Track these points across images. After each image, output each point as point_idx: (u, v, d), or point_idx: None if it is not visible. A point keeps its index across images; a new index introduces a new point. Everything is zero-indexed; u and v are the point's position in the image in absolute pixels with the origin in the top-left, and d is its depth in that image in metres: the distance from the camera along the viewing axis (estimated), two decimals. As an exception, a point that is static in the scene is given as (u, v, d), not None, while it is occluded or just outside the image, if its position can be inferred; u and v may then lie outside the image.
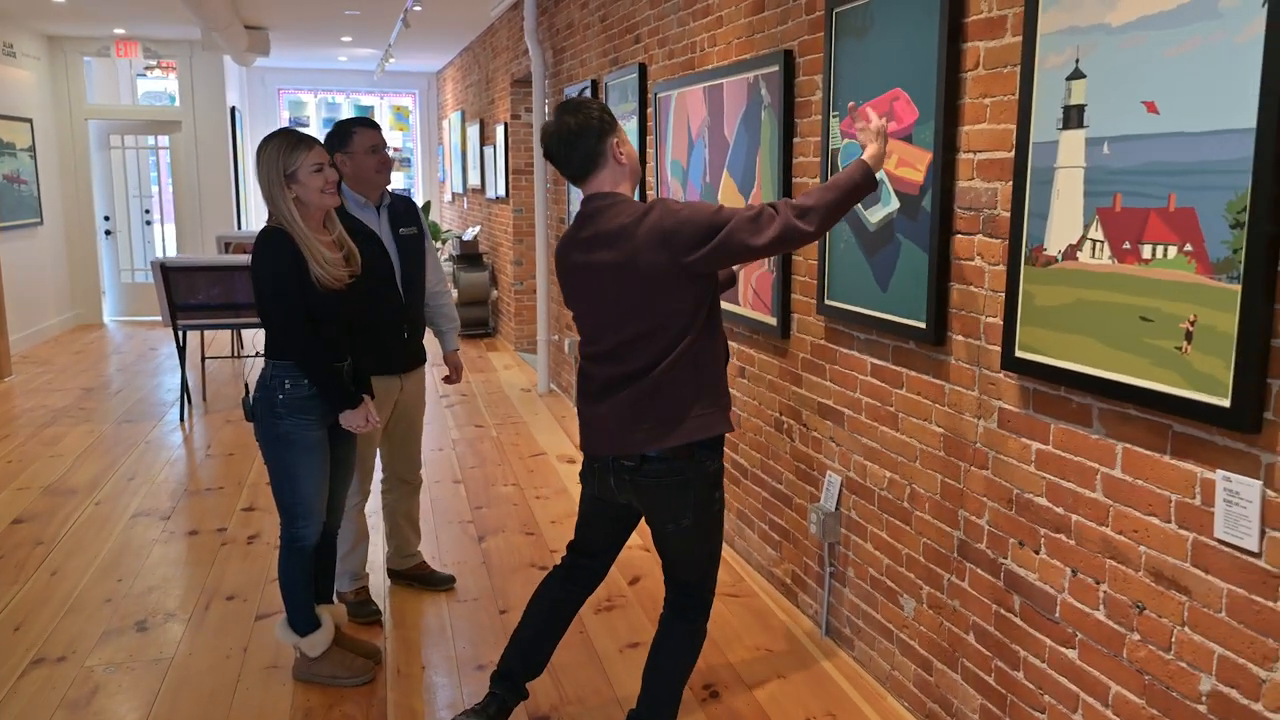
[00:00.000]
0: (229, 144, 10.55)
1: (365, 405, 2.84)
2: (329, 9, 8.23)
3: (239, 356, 8.00)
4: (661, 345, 2.26)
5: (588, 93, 5.62)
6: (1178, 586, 1.84)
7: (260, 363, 7.74)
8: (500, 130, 8.44)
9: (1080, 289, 2.00)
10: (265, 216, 2.74)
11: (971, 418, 2.42)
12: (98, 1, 7.91)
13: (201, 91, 10.32)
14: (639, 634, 3.28)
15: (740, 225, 2.19)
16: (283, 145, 2.67)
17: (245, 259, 5.88)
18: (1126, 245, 1.88)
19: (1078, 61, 1.98)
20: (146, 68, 10.50)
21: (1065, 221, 2.03)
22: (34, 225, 8.96)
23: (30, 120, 8.97)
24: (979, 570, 2.43)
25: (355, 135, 3.22)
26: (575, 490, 4.67)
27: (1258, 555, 1.67)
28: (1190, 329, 1.75)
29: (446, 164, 12.35)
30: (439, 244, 10.77)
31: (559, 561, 2.66)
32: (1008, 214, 2.24)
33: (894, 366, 2.74)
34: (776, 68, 3.25)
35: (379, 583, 3.67)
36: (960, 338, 2.44)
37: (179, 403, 6.35)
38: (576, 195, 5.18)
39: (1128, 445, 1.94)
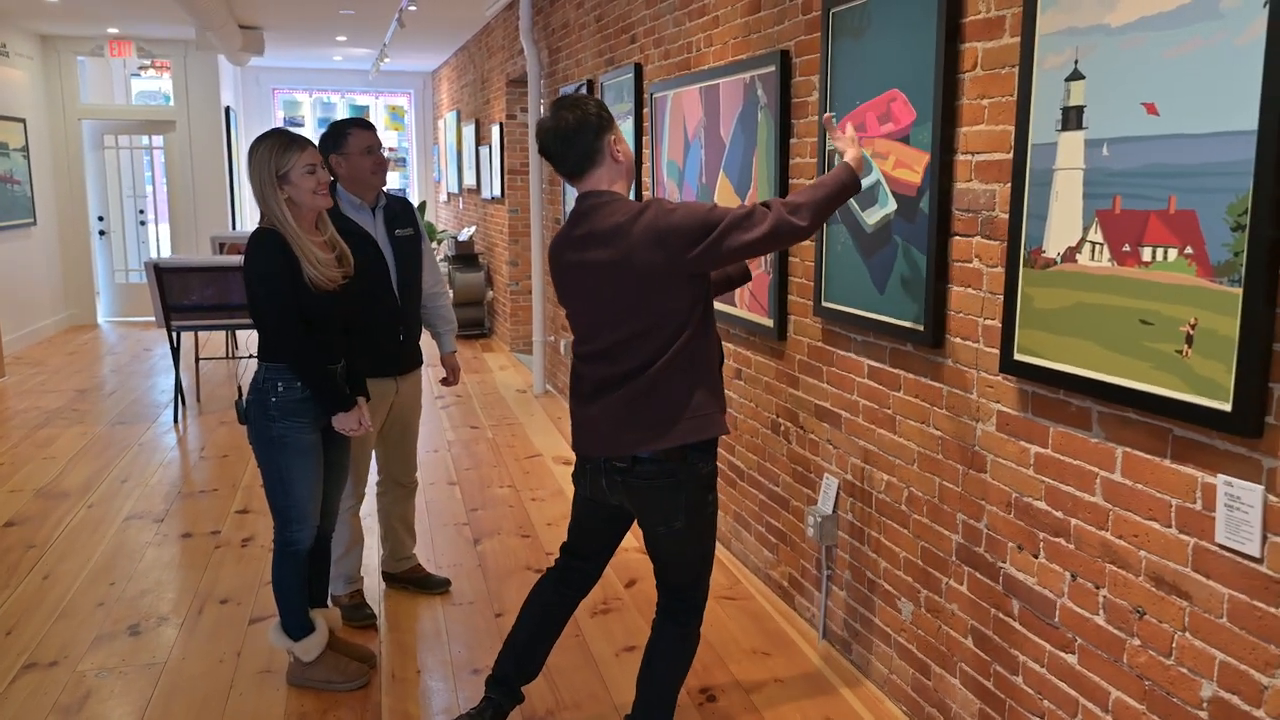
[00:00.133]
0: (224, 144, 10.52)
1: (359, 408, 2.82)
2: (324, 8, 8.20)
3: (233, 357, 7.97)
4: (657, 345, 2.24)
5: (583, 92, 5.60)
6: (1178, 592, 1.82)
7: (254, 364, 7.72)
8: (496, 130, 8.43)
9: (1080, 291, 1.98)
10: (259, 217, 2.72)
11: (970, 421, 2.40)
12: (91, 1, 7.88)
13: (196, 91, 10.28)
14: (635, 637, 3.27)
15: (734, 223, 2.19)
16: (275, 146, 2.65)
17: (240, 260, 5.84)
18: (1126, 248, 1.86)
19: (1077, 62, 1.96)
20: (140, 67, 10.46)
21: (1064, 224, 2.01)
22: (27, 225, 8.93)
23: (24, 120, 8.93)
24: (977, 574, 2.41)
25: (350, 136, 3.20)
26: (571, 492, 4.65)
27: (1259, 561, 1.66)
28: (1191, 332, 1.73)
29: (442, 164, 12.33)
30: (434, 244, 10.75)
31: (552, 564, 2.64)
32: (1006, 216, 2.22)
33: (891, 369, 2.73)
34: (773, 68, 3.23)
35: (374, 586, 3.64)
36: (958, 340, 2.43)
37: (173, 404, 6.33)
38: (572, 195, 5.21)
39: (1128, 449, 1.92)
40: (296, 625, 2.89)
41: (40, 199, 9.30)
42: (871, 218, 2.74)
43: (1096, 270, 1.94)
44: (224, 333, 7.89)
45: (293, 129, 3.41)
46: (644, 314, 2.24)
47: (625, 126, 4.79)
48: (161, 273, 5.87)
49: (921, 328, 2.52)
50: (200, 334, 7.57)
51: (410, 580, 3.63)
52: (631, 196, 3.20)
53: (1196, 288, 1.72)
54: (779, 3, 3.25)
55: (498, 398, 6.84)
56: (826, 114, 2.60)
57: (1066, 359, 2.02)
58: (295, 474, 2.76)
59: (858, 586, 2.99)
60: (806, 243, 3.12)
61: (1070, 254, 2.00)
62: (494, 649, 3.13)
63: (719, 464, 3.87)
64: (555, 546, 4.02)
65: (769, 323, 3.42)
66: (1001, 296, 2.24)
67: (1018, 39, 2.15)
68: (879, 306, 2.72)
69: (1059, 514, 2.12)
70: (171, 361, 6.37)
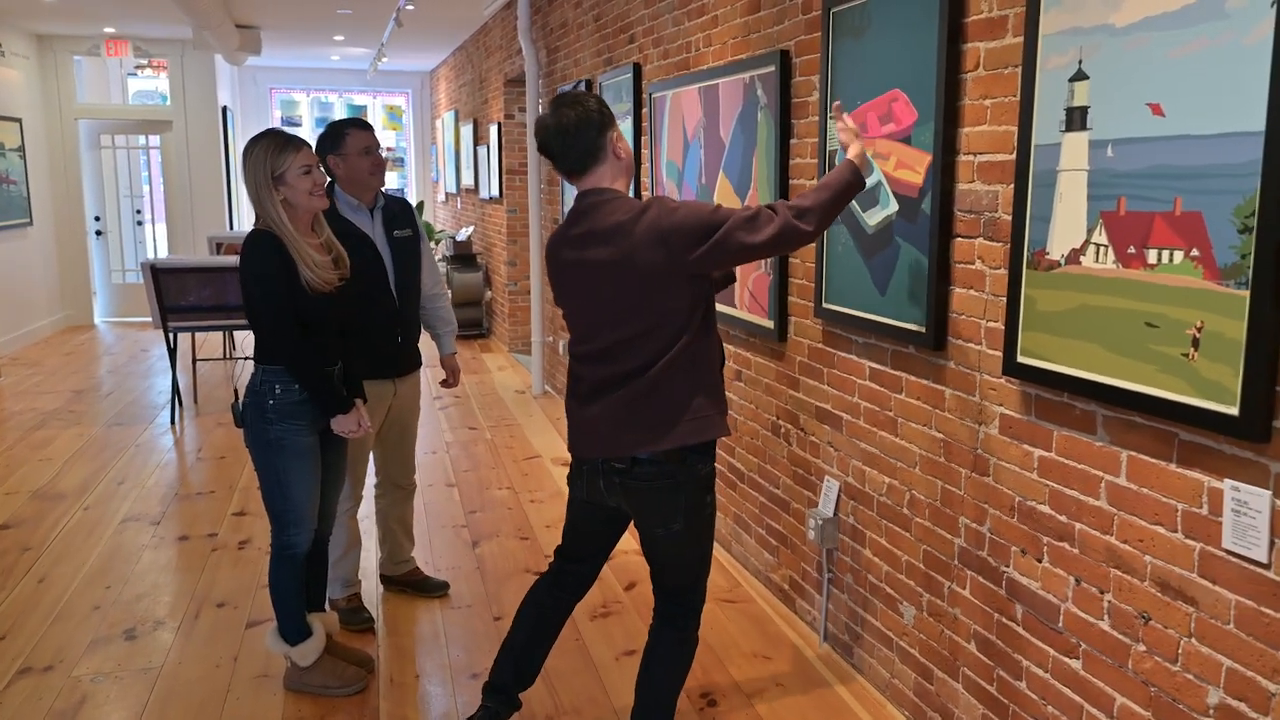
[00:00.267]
0: (221, 144, 10.49)
1: (357, 410, 2.80)
2: (321, 8, 8.17)
3: (231, 358, 7.94)
4: (658, 345, 2.22)
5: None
6: (1184, 597, 1.80)
7: (251, 365, 7.70)
8: (494, 130, 8.40)
9: (1084, 294, 1.96)
10: (254, 218, 2.70)
11: (972, 423, 2.38)
12: (88, 0, 7.84)
13: (193, 91, 10.25)
14: (635, 641, 3.25)
15: (738, 224, 2.17)
16: (270, 147, 2.63)
17: (236, 260, 5.83)
18: (1131, 250, 1.84)
19: (1080, 63, 1.94)
20: (137, 67, 10.43)
21: (1068, 225, 2.00)
22: (23, 226, 8.90)
23: (19, 120, 8.90)
24: (980, 578, 2.40)
25: (348, 137, 3.17)
26: (570, 494, 4.64)
27: (1267, 566, 1.64)
28: (1197, 335, 1.72)
29: (440, 164, 12.30)
30: (433, 244, 10.72)
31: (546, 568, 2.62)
32: (1009, 217, 2.20)
33: (893, 371, 2.71)
34: (773, 68, 3.21)
35: (372, 589, 3.62)
36: (960, 342, 2.41)
37: (170, 405, 6.30)
38: (571, 195, 5.20)
39: (1133, 453, 1.90)
40: (294, 629, 2.87)
41: (36, 199, 9.27)
42: (873, 219, 2.72)
43: (1101, 272, 1.92)
44: (221, 334, 7.86)
45: (289, 129, 3.39)
46: (645, 314, 2.22)
47: (624, 126, 4.77)
48: (158, 273, 5.84)
49: (923, 330, 2.50)
50: (197, 335, 7.54)
51: (408, 583, 3.61)
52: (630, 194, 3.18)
53: (1203, 290, 1.70)
54: (779, 2, 3.23)
55: (496, 399, 6.82)
56: (836, 102, 2.56)
57: (1070, 362, 2.00)
58: (293, 477, 2.74)
59: (859, 590, 2.97)
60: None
61: (1074, 256, 1.98)
62: (493, 653, 3.10)
63: (718, 465, 3.85)
64: (554, 549, 4.00)
65: (769, 324, 3.40)
66: (1004, 298, 2.22)
67: (1020, 39, 2.13)
68: (880, 308, 2.70)
69: (1063, 518, 2.10)
70: (168, 362, 6.34)
